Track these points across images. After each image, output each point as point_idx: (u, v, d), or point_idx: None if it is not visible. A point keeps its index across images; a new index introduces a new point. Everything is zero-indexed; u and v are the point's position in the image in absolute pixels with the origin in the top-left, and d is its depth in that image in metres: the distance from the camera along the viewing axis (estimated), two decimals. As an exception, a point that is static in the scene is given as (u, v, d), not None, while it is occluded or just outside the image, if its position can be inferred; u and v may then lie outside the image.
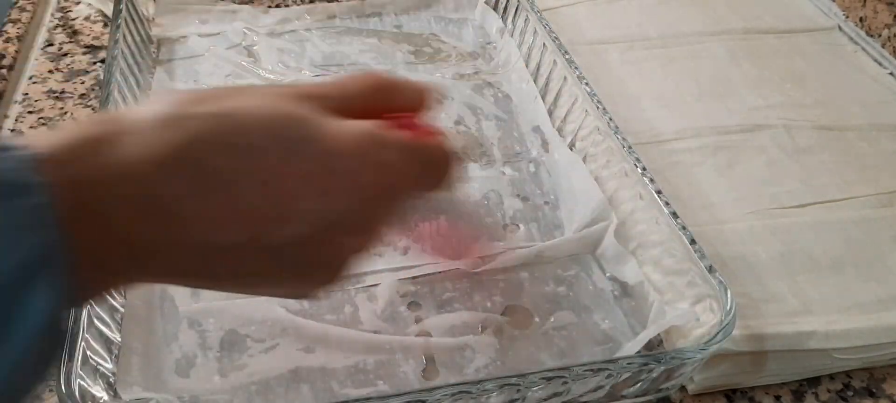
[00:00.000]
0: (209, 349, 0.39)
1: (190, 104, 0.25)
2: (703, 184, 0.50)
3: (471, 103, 0.57)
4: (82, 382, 0.32)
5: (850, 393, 0.41)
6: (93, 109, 0.55)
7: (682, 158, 0.52)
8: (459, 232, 0.42)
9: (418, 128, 0.31)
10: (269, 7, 0.65)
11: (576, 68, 0.52)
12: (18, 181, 0.21)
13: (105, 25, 0.64)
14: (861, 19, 0.67)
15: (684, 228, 0.41)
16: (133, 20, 0.57)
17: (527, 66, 0.59)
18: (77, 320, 0.34)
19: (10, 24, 0.62)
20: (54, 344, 0.23)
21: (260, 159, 0.25)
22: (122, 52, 0.52)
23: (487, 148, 0.54)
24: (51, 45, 0.62)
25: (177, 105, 0.25)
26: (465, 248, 0.44)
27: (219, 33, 0.62)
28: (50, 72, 0.59)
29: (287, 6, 0.66)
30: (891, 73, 0.62)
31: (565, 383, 0.34)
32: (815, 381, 0.41)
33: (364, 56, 0.61)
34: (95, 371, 0.34)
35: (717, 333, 0.35)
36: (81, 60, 0.60)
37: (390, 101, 0.30)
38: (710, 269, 0.38)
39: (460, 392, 0.33)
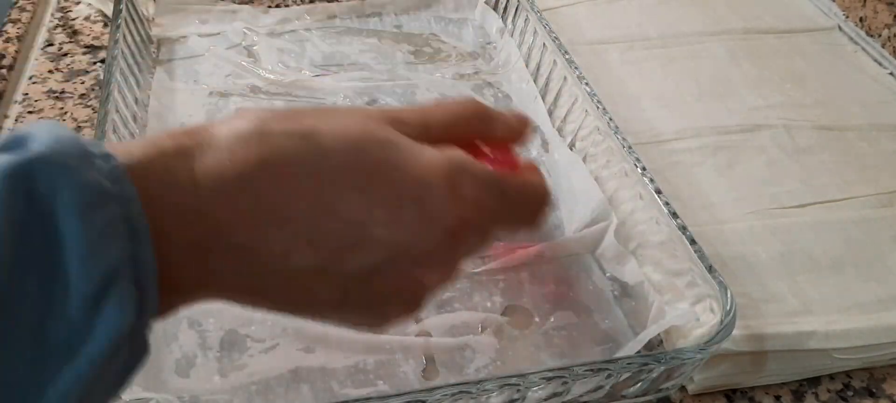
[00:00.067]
0: (209, 349, 0.39)
1: (274, 121, 0.24)
2: (703, 184, 0.50)
3: (471, 103, 0.57)
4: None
5: (850, 393, 0.41)
6: (93, 109, 0.55)
7: (682, 158, 0.52)
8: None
9: (510, 161, 0.29)
10: (269, 7, 0.65)
11: (576, 68, 0.52)
12: (111, 190, 0.21)
13: (105, 25, 0.64)
14: (861, 19, 0.67)
15: (684, 228, 0.41)
16: (133, 20, 0.57)
17: (527, 65, 0.59)
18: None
19: (10, 24, 0.62)
20: (132, 358, 0.22)
21: (337, 183, 0.24)
22: (122, 52, 0.52)
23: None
24: (51, 45, 0.62)
25: (260, 121, 0.24)
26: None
27: (219, 33, 0.62)
28: (50, 72, 0.59)
29: (287, 6, 0.65)
30: (891, 73, 0.62)
31: (565, 383, 0.34)
32: (815, 381, 0.41)
33: (364, 56, 0.61)
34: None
35: (717, 333, 0.35)
36: (81, 60, 0.60)
37: (484, 131, 0.29)
38: (710, 269, 0.38)
39: (460, 392, 0.33)
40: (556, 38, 0.55)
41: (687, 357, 0.35)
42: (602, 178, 0.48)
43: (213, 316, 0.41)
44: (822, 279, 0.44)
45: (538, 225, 0.28)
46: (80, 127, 0.54)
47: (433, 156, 0.25)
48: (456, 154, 0.26)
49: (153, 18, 0.62)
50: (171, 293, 0.23)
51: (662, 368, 0.35)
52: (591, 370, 0.34)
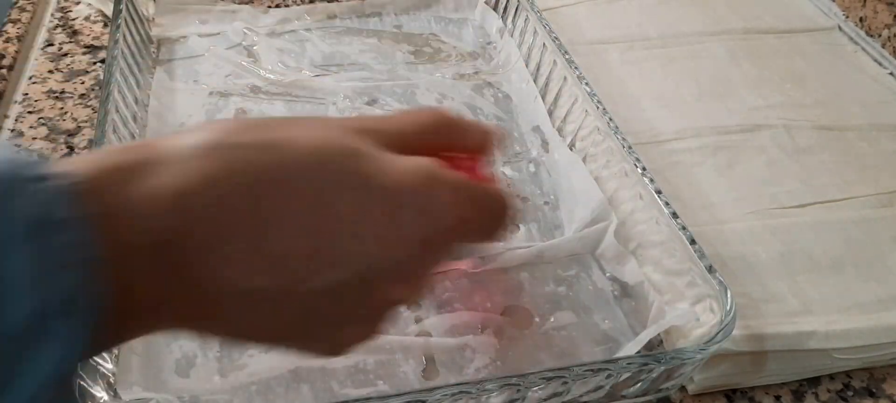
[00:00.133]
0: (209, 349, 0.39)
1: (235, 133, 0.23)
2: (703, 184, 0.50)
3: (471, 103, 0.57)
4: (82, 382, 0.32)
5: (850, 393, 0.41)
6: (93, 109, 0.55)
7: (682, 158, 0.52)
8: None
9: (475, 171, 0.29)
10: (269, 7, 0.65)
11: (576, 68, 0.52)
12: (49, 218, 0.19)
13: (105, 25, 0.64)
14: (861, 19, 0.67)
15: (684, 228, 0.41)
16: (133, 20, 0.57)
17: (527, 65, 0.59)
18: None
19: (10, 24, 0.62)
20: (63, 398, 0.21)
21: (303, 196, 0.22)
22: (122, 52, 0.52)
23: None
24: (51, 45, 0.62)
25: (220, 133, 0.22)
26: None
27: (219, 33, 0.62)
28: (50, 72, 0.59)
29: (287, 6, 0.65)
30: (891, 73, 0.62)
31: (565, 383, 0.34)
32: (815, 381, 0.41)
33: (364, 56, 0.61)
34: (95, 371, 0.34)
35: (717, 333, 0.35)
36: (81, 60, 0.60)
37: (450, 141, 0.28)
38: (710, 269, 0.38)
39: (460, 392, 0.33)
40: (556, 38, 0.55)
41: (687, 357, 0.35)
42: (602, 178, 0.48)
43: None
44: (822, 279, 0.44)
45: (504, 235, 0.28)
46: (80, 127, 0.54)
47: (405, 165, 0.24)
48: (427, 162, 0.25)
49: (153, 18, 0.62)
50: (122, 323, 0.21)
51: (662, 368, 0.35)
52: (591, 370, 0.34)
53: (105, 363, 0.35)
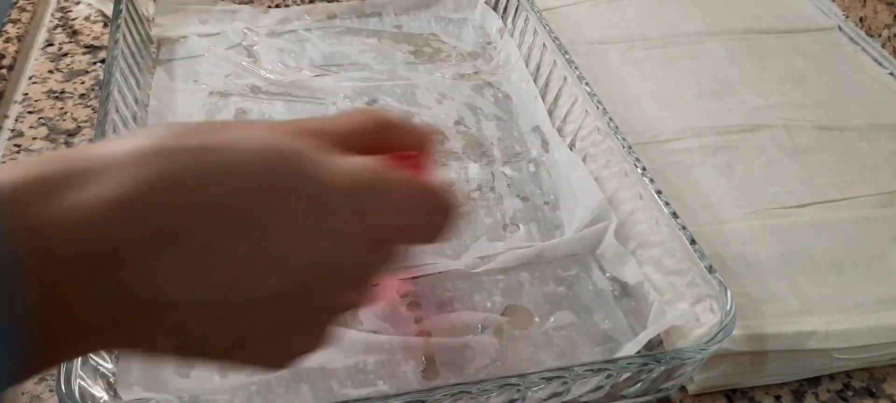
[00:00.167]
0: (209, 349, 0.39)
1: (173, 137, 0.21)
2: (703, 184, 0.50)
3: (471, 103, 0.57)
4: (82, 382, 0.32)
5: (850, 393, 0.41)
6: (93, 109, 0.55)
7: (682, 158, 0.52)
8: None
9: (420, 169, 0.29)
10: (269, 7, 0.65)
11: (576, 68, 0.52)
12: None
13: (105, 25, 0.64)
14: (861, 19, 0.67)
15: (684, 228, 0.41)
16: (133, 20, 0.57)
17: (527, 65, 0.59)
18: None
19: (10, 24, 0.62)
20: None
21: (245, 201, 0.21)
22: (122, 52, 0.52)
23: (487, 148, 0.54)
24: (51, 45, 0.62)
25: (158, 138, 0.21)
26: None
27: (219, 33, 0.62)
28: (50, 72, 0.59)
29: (287, 6, 0.66)
30: (891, 73, 0.62)
31: (565, 383, 0.34)
32: (815, 381, 0.41)
33: (364, 56, 0.61)
34: (95, 372, 0.34)
35: (717, 333, 0.35)
36: (81, 60, 0.60)
37: (389, 141, 0.28)
38: (710, 269, 0.38)
39: (460, 392, 0.33)
40: (556, 38, 0.55)
41: (687, 357, 0.35)
42: (602, 178, 0.48)
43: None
44: (822, 279, 0.44)
45: (450, 235, 0.27)
46: (80, 127, 0.54)
47: (349, 165, 0.24)
48: (371, 162, 0.24)
49: (153, 18, 0.62)
50: (56, 343, 0.20)
51: (662, 368, 0.35)
52: (591, 370, 0.34)
53: (105, 363, 0.35)
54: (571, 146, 0.52)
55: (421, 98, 0.57)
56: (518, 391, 0.34)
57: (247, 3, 0.65)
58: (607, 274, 0.45)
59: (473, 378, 0.38)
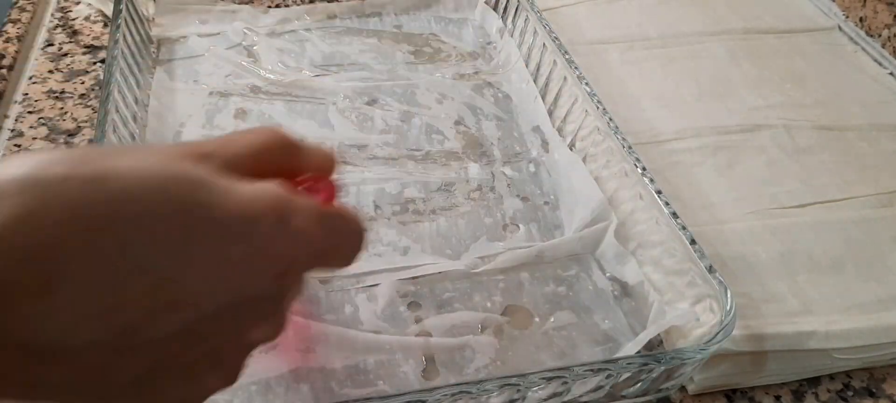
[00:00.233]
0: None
1: (50, 165, 0.19)
2: (703, 184, 0.50)
3: (471, 103, 0.57)
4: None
5: (850, 393, 0.41)
6: (93, 109, 0.55)
7: (682, 158, 0.52)
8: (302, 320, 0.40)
9: (324, 193, 0.27)
10: (269, 7, 0.65)
11: (576, 68, 0.52)
12: None
13: (105, 25, 0.64)
14: (861, 19, 0.67)
15: (684, 228, 0.41)
16: (133, 20, 0.57)
17: (527, 65, 0.59)
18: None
19: (10, 24, 0.62)
20: None
21: (135, 233, 0.20)
22: (122, 52, 0.52)
23: (487, 148, 0.54)
24: (51, 45, 0.62)
25: (32, 167, 0.19)
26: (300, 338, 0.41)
27: (219, 33, 0.62)
28: (50, 72, 0.59)
29: (287, 6, 0.66)
30: (891, 73, 0.62)
31: (565, 383, 0.34)
32: (815, 381, 0.41)
33: (364, 56, 0.61)
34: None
35: (717, 333, 0.35)
36: (81, 60, 0.60)
37: (290, 163, 0.26)
38: (710, 269, 0.38)
39: (460, 392, 0.33)
40: (556, 38, 0.55)
41: (687, 357, 0.35)
42: (602, 178, 0.48)
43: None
44: (822, 279, 0.44)
45: (355, 260, 0.26)
46: (80, 127, 0.54)
47: (252, 191, 0.22)
48: (272, 187, 0.23)
49: (153, 18, 0.62)
50: None
51: (662, 368, 0.35)
52: (591, 370, 0.34)
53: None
54: (571, 146, 0.52)
55: (421, 98, 0.57)
56: (518, 391, 0.34)
57: (247, 3, 0.65)
58: (607, 274, 0.45)
59: (473, 378, 0.38)
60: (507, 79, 0.60)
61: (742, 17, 0.67)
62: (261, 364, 0.39)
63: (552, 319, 0.42)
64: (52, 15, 0.65)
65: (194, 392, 0.24)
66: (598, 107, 0.49)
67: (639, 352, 0.39)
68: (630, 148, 0.45)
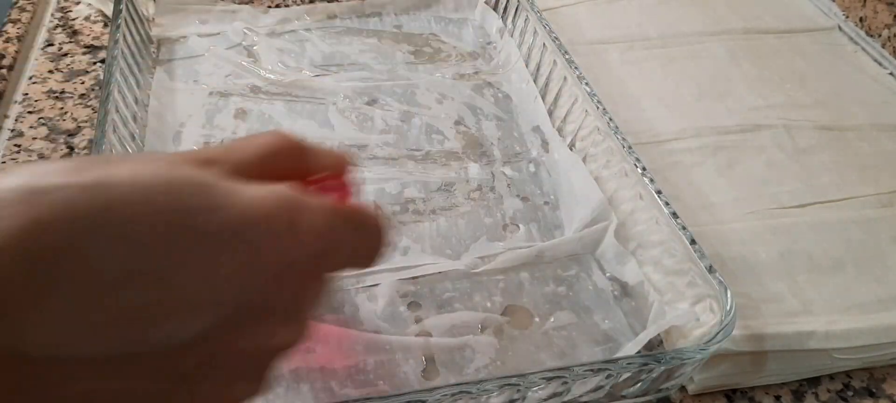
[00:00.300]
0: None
1: (48, 175, 0.19)
2: (703, 184, 0.50)
3: (471, 103, 0.57)
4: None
5: (850, 393, 0.41)
6: (93, 109, 0.55)
7: (682, 158, 0.52)
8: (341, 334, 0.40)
9: (339, 192, 0.27)
10: (269, 7, 0.65)
11: (576, 68, 0.52)
12: None
13: (105, 25, 0.64)
14: (861, 19, 0.67)
15: (684, 228, 0.41)
16: (133, 20, 0.57)
17: (527, 65, 0.59)
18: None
19: (10, 24, 0.62)
20: None
21: (137, 240, 0.19)
22: (122, 52, 0.52)
23: (487, 148, 0.54)
24: (51, 45, 0.62)
25: (28, 177, 0.19)
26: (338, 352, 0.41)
27: (219, 33, 0.62)
28: (50, 72, 0.59)
29: (287, 6, 0.65)
30: (891, 73, 0.62)
31: (565, 383, 0.34)
32: (815, 381, 0.41)
33: (364, 56, 0.61)
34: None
35: (717, 333, 0.35)
36: (81, 60, 0.60)
37: (298, 167, 0.26)
38: (710, 269, 0.38)
39: (460, 392, 0.33)
40: (556, 38, 0.55)
41: (687, 357, 0.35)
42: (602, 178, 0.48)
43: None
44: (822, 279, 0.44)
45: (380, 257, 0.26)
46: (80, 127, 0.54)
47: (259, 192, 0.22)
48: (281, 187, 0.22)
49: (153, 18, 0.62)
50: None
51: (662, 368, 0.35)
52: (591, 370, 0.34)
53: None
54: (571, 146, 0.52)
55: (421, 98, 0.57)
56: (518, 391, 0.34)
57: (247, 3, 0.65)
58: (607, 274, 0.45)
59: (473, 378, 0.38)
60: (507, 79, 0.60)
61: (742, 17, 0.67)
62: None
63: (552, 319, 0.42)
64: (52, 15, 0.65)
65: (239, 393, 0.23)
66: (598, 107, 0.49)
67: (639, 352, 0.39)
68: (630, 148, 0.45)
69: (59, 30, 0.63)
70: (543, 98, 0.56)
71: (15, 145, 0.52)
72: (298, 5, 0.66)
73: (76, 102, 0.56)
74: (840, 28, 0.67)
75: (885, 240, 0.47)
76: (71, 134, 0.53)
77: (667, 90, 0.58)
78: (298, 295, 0.24)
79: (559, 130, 0.53)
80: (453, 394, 0.33)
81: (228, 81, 0.58)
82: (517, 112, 0.57)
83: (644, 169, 0.44)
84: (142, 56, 0.57)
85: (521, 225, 0.48)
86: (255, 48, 0.61)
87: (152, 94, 0.55)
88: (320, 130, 0.54)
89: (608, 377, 0.35)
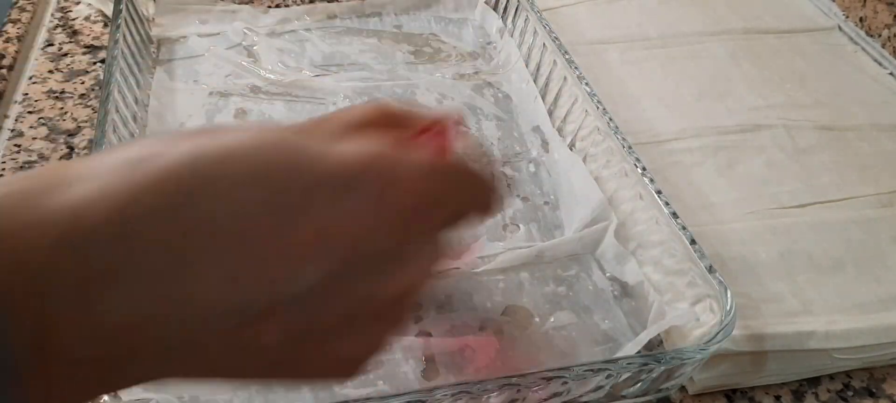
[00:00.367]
0: (209, 349, 0.39)
1: (164, 144, 0.20)
2: (703, 184, 0.50)
3: (471, 103, 0.57)
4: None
5: (850, 393, 0.41)
6: (93, 109, 0.55)
7: (682, 158, 0.52)
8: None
9: (438, 143, 0.27)
10: (269, 7, 0.65)
11: (576, 68, 0.52)
12: None
13: (105, 25, 0.64)
14: (861, 19, 0.67)
15: (684, 228, 0.41)
16: (133, 20, 0.57)
17: (527, 65, 0.59)
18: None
19: (10, 24, 0.62)
20: None
21: (243, 201, 0.20)
22: (122, 52, 0.52)
23: (487, 148, 0.54)
24: (51, 45, 0.62)
25: (148, 145, 0.20)
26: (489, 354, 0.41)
27: (219, 33, 0.62)
28: (50, 72, 0.59)
29: (287, 6, 0.65)
30: (891, 73, 0.62)
31: (565, 383, 0.34)
32: (815, 381, 0.41)
33: (364, 56, 0.61)
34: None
35: (717, 333, 0.35)
36: (81, 60, 0.60)
37: (401, 132, 0.26)
38: (710, 269, 0.38)
39: (460, 392, 0.33)
40: (556, 38, 0.55)
41: (687, 357, 0.35)
42: (602, 178, 0.48)
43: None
44: (822, 279, 0.44)
45: (493, 207, 0.26)
46: (80, 127, 0.54)
47: (354, 146, 0.22)
48: (378, 142, 0.23)
49: (153, 18, 0.62)
50: (49, 383, 0.18)
51: (662, 368, 0.35)
52: (591, 370, 0.34)
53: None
54: (571, 146, 0.52)
55: (421, 98, 0.57)
56: (518, 391, 0.34)
57: (247, 3, 0.65)
58: (607, 274, 0.45)
59: (473, 378, 0.38)
60: (507, 79, 0.60)
61: (742, 17, 0.67)
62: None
63: (552, 319, 0.42)
64: (52, 15, 0.65)
65: (333, 361, 0.24)
66: (598, 107, 0.49)
67: (639, 352, 0.39)
68: (630, 148, 0.45)
69: (59, 30, 0.63)
70: (543, 98, 0.56)
71: (15, 145, 0.52)
72: (298, 5, 0.66)
73: (76, 102, 0.56)
74: (840, 28, 0.67)
75: (885, 240, 0.47)
76: (71, 134, 0.53)
77: (667, 90, 0.58)
78: (408, 243, 0.24)
79: (559, 130, 0.53)
80: (453, 394, 0.33)
81: (228, 81, 0.58)
82: (517, 112, 0.57)
83: (644, 169, 0.44)
84: (142, 56, 0.57)
85: (521, 225, 0.48)
86: (255, 48, 0.61)
87: (152, 94, 0.55)
88: (320, 130, 0.54)
89: (608, 377, 0.35)
